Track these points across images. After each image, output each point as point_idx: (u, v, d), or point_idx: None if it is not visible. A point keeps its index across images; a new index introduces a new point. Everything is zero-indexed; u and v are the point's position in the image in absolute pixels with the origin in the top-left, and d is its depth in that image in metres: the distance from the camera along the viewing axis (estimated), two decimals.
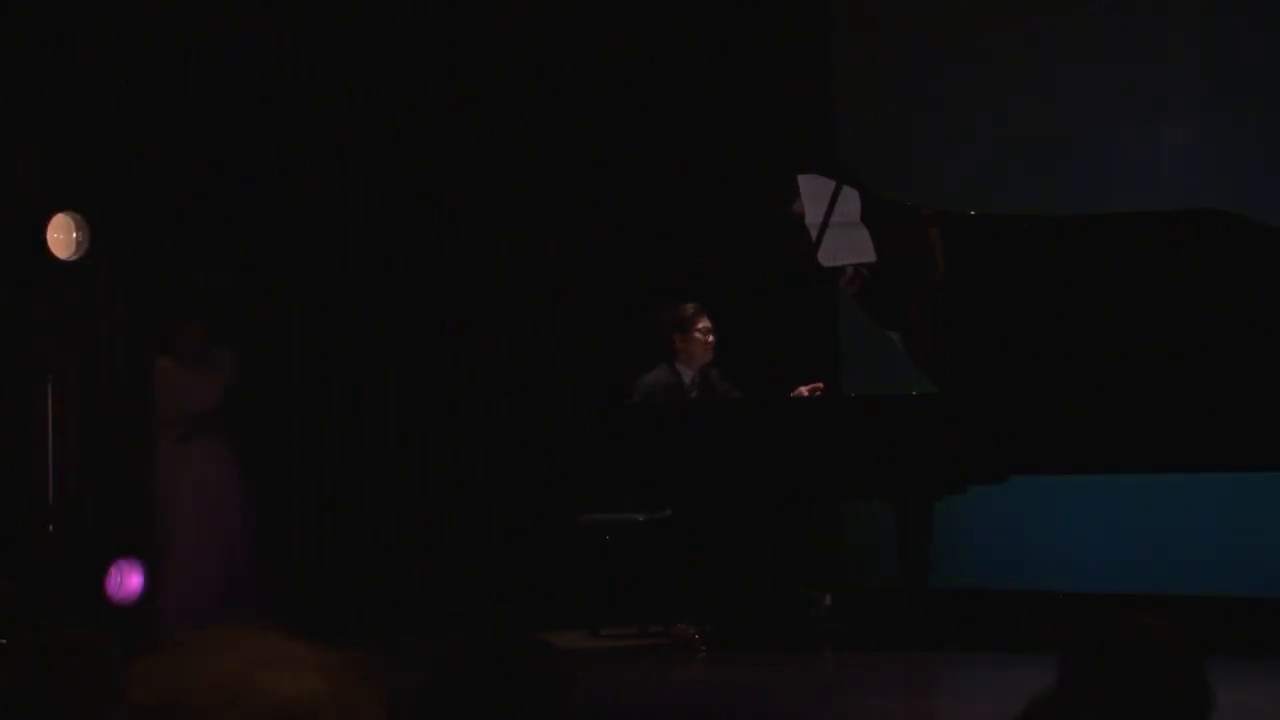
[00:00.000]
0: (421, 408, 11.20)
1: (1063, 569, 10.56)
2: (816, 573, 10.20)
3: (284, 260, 10.83)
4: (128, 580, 9.59)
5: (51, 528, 9.57)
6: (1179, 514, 10.26)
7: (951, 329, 9.28)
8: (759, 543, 10.05)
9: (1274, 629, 9.48)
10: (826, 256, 9.38)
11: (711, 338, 10.03)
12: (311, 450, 10.89)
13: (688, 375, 10.05)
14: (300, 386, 10.88)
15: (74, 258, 9.51)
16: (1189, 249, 8.56)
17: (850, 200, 9.28)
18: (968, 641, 9.53)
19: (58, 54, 10.00)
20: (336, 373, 10.94)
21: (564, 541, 10.48)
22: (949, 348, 9.30)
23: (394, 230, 11.14)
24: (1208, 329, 8.58)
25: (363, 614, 10.38)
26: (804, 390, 9.71)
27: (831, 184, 9.25)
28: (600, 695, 7.92)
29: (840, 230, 9.31)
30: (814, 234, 9.34)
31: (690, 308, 10.10)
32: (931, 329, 9.39)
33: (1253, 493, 9.83)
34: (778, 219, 9.57)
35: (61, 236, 9.48)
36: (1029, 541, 10.75)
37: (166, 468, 10.11)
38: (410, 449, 11.19)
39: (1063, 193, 10.42)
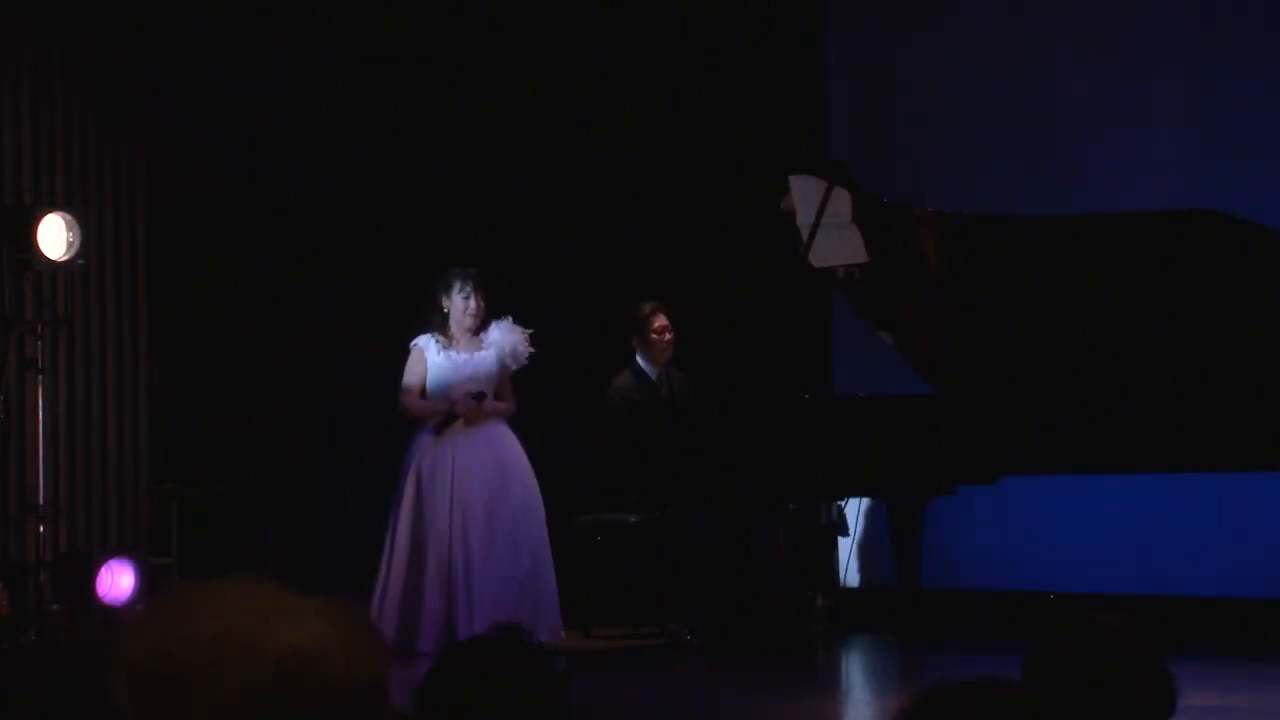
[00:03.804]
0: None
1: (1056, 569, 10.55)
2: (810, 573, 10.18)
3: (313, 251, 10.84)
4: (118, 581, 9.55)
5: (42, 529, 9.55)
6: (1173, 515, 10.26)
7: (944, 330, 9.27)
8: (753, 543, 10.04)
9: (1266, 630, 9.48)
10: (819, 257, 9.36)
11: (668, 336, 10.04)
12: (311, 446, 10.87)
13: (654, 374, 10.05)
14: (305, 385, 10.87)
15: (65, 257, 9.49)
16: (1182, 249, 8.55)
17: (842, 201, 9.26)
18: (961, 641, 9.53)
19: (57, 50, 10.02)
20: (332, 369, 10.92)
21: (557, 543, 10.46)
22: (942, 349, 9.29)
23: (393, 229, 11.12)
24: (1199, 329, 8.58)
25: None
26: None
27: (823, 184, 9.23)
28: (594, 696, 7.91)
29: (833, 231, 9.30)
30: (805, 235, 9.32)
31: (646, 308, 10.10)
32: (924, 330, 9.38)
33: (1247, 493, 9.82)
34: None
35: (53, 236, 9.46)
36: (1022, 542, 10.73)
37: (422, 459, 9.26)
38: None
39: (1056, 193, 10.40)
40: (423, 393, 9.38)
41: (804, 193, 9.33)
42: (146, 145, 10.30)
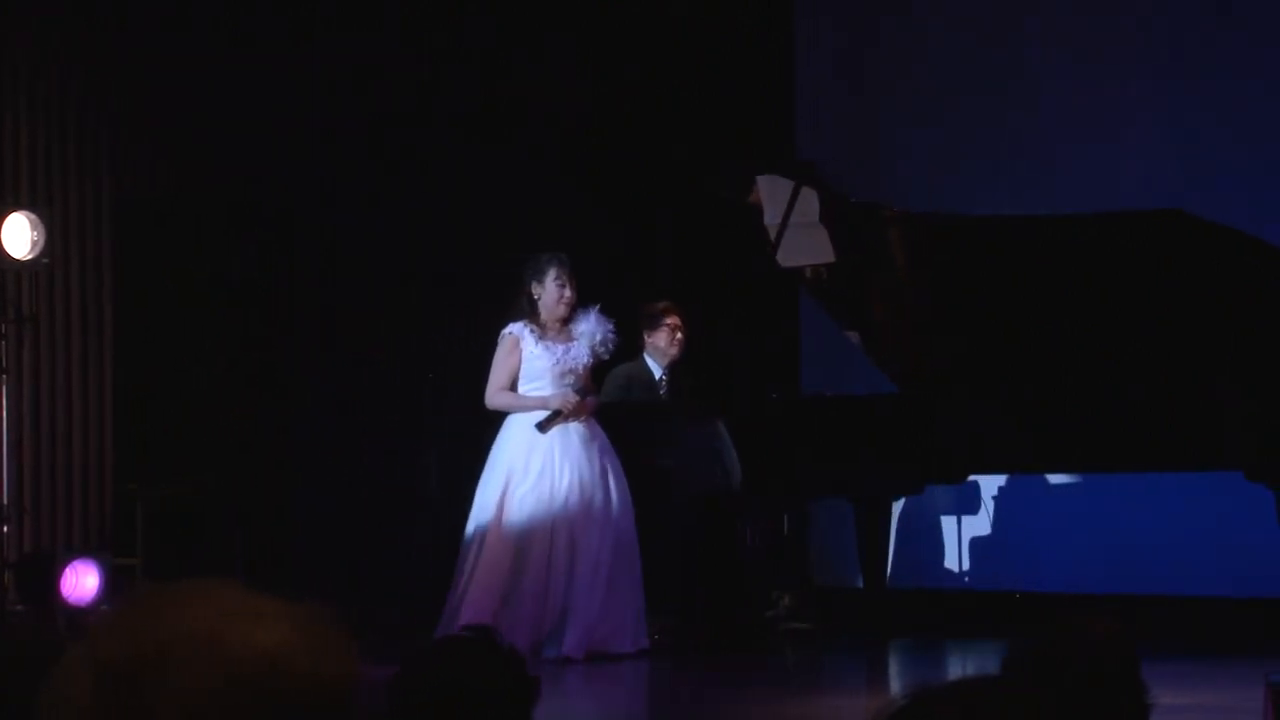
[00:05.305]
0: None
1: (1022, 568, 10.59)
2: (777, 572, 10.19)
3: (287, 249, 10.79)
4: (83, 581, 9.50)
5: (6, 528, 9.50)
6: (1140, 514, 10.29)
7: (912, 330, 9.28)
8: (721, 543, 10.05)
9: (1235, 628, 9.51)
10: (787, 257, 9.37)
11: (680, 335, 10.03)
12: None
13: (658, 371, 10.06)
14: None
15: (30, 256, 9.45)
16: (1149, 249, 8.57)
17: (810, 200, 9.27)
18: (926, 639, 9.56)
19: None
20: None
21: None
22: (909, 348, 9.30)
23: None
24: (1167, 328, 8.60)
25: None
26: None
27: (790, 184, 9.24)
28: (561, 698, 7.91)
29: (800, 230, 9.31)
30: (774, 234, 9.33)
31: (660, 305, 10.11)
32: (891, 330, 9.39)
33: (1215, 493, 9.85)
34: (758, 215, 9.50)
35: (17, 235, 9.42)
36: (987, 541, 10.77)
37: (515, 456, 8.73)
38: (404, 445, 11.15)
39: (1026, 194, 10.43)
40: (513, 384, 8.88)
41: (772, 192, 9.33)
42: (111, 144, 10.26)
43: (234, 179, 10.70)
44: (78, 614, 9.26)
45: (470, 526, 8.79)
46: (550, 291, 8.86)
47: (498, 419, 9.13)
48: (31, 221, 9.47)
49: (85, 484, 10.11)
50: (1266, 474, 8.29)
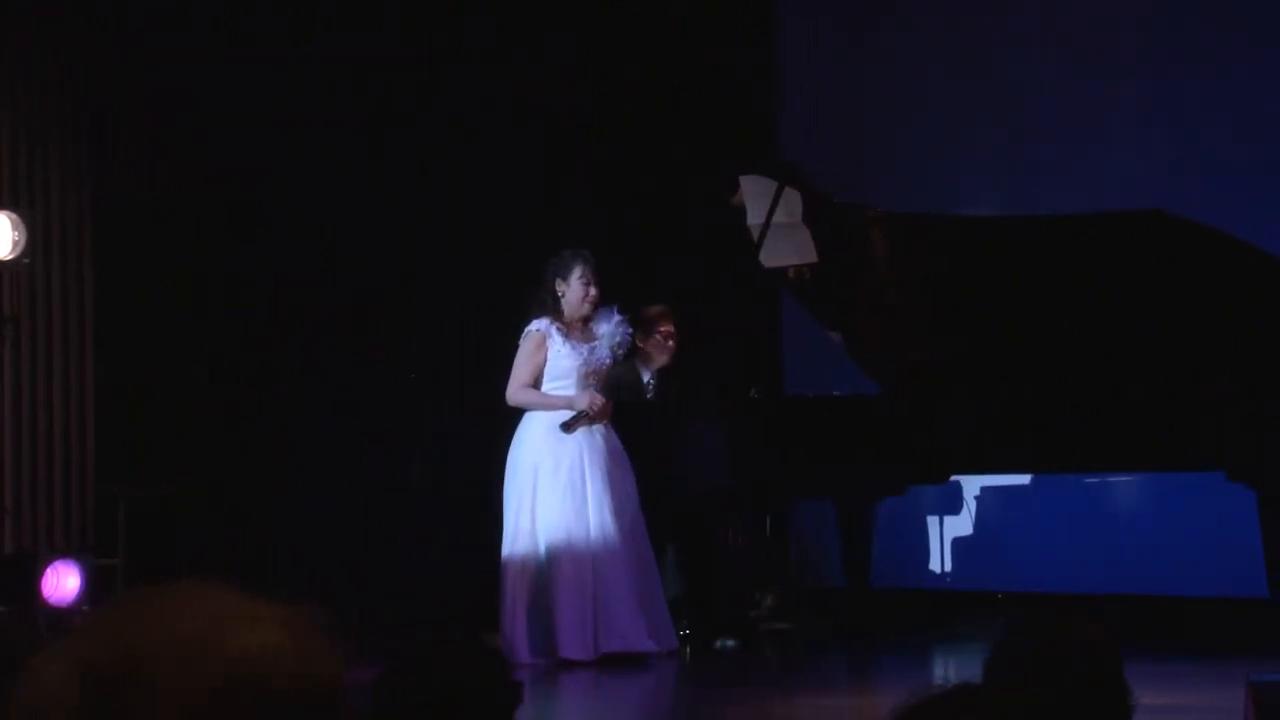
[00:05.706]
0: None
1: (1006, 568, 10.57)
2: (761, 572, 10.18)
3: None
4: (64, 582, 9.52)
5: None
6: (1125, 514, 10.26)
7: (894, 330, 9.26)
8: (703, 543, 10.04)
9: (1221, 627, 9.47)
10: (769, 257, 9.35)
11: (671, 343, 10.03)
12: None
13: (646, 374, 10.06)
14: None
15: (10, 257, 9.47)
16: (1132, 249, 8.54)
17: (793, 200, 9.25)
18: (910, 639, 9.54)
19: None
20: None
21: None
22: (891, 348, 9.28)
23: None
24: (1148, 328, 8.57)
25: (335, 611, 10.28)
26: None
27: (774, 185, 9.22)
28: (545, 700, 7.91)
29: (783, 230, 9.29)
30: (757, 234, 9.31)
31: (654, 310, 10.09)
32: (874, 330, 9.37)
33: (1201, 492, 9.81)
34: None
35: None
36: (971, 541, 10.75)
37: (532, 454, 8.63)
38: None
39: (1010, 194, 10.40)
40: (537, 382, 8.76)
41: (755, 193, 9.32)
42: (92, 143, 10.27)
43: (233, 179, 10.71)
44: (58, 614, 9.27)
45: (507, 537, 8.68)
46: (575, 289, 8.75)
47: (498, 418, 9.06)
48: (13, 221, 9.49)
49: (67, 484, 10.13)
50: (1248, 474, 8.25)
